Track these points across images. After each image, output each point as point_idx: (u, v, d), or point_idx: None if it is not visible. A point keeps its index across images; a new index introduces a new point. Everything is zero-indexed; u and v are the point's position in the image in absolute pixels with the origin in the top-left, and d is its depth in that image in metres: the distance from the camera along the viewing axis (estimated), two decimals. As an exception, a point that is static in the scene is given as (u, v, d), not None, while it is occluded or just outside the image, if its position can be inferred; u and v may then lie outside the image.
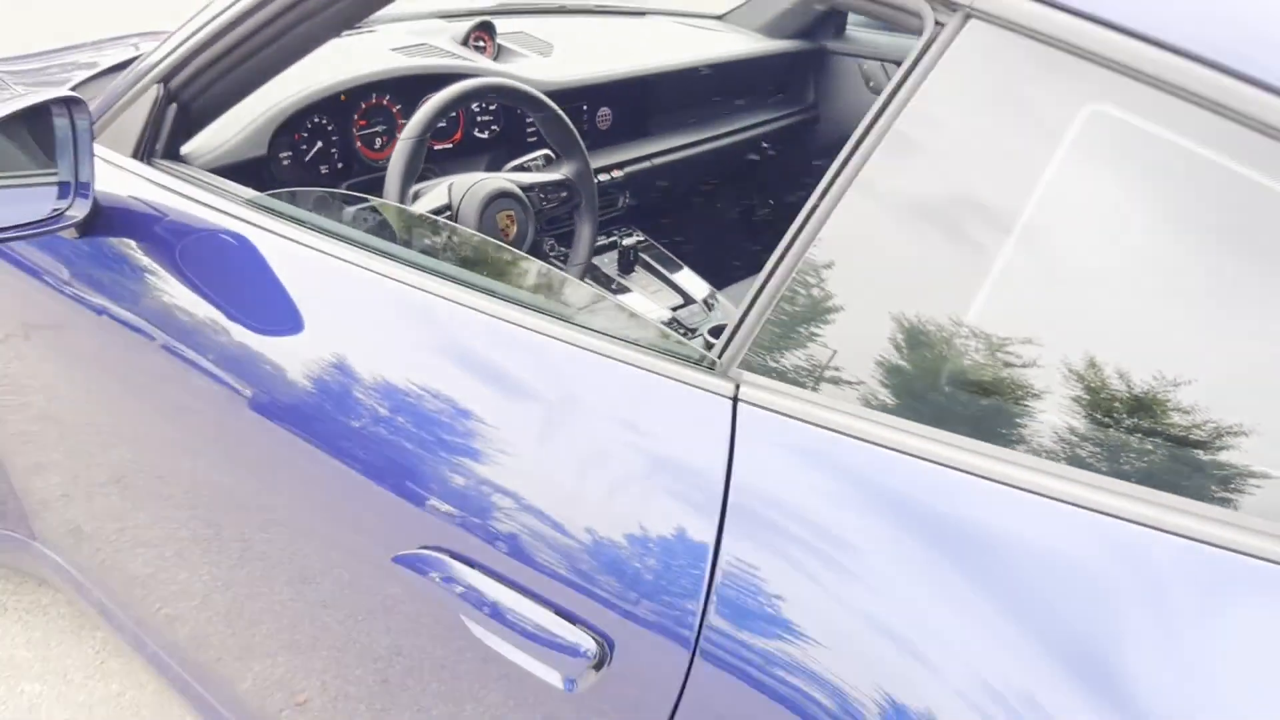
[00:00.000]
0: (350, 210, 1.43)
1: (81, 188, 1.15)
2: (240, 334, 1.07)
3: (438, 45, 1.88)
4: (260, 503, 1.13)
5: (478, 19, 1.95)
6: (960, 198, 0.74)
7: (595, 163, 1.89)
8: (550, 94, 1.62)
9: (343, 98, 1.63)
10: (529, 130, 1.86)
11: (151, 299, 1.16)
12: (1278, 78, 0.63)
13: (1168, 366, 0.66)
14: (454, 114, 1.67)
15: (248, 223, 1.11)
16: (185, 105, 1.27)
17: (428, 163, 1.70)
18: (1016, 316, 0.71)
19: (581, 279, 1.62)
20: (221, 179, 1.25)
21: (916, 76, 0.76)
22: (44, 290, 1.30)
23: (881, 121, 0.76)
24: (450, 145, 1.76)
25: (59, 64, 1.80)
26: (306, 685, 1.21)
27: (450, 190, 1.46)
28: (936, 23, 0.76)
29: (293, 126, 1.55)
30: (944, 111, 0.75)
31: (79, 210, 1.14)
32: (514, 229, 1.48)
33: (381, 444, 0.93)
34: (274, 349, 1.04)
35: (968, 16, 0.74)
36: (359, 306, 1.00)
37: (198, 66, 1.22)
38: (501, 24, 2.06)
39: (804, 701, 0.70)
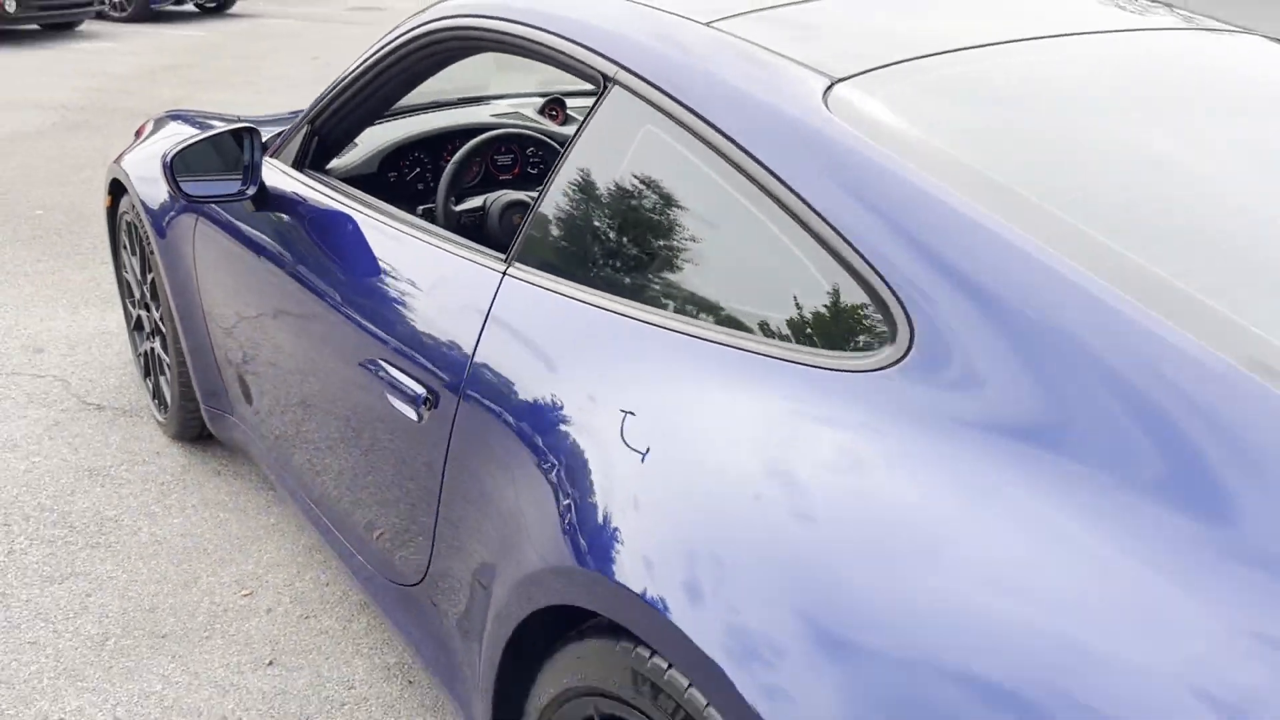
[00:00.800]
0: (421, 207, 2.30)
1: (254, 176, 2.07)
2: (353, 286, 1.83)
3: (523, 113, 2.75)
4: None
5: (555, 96, 2.81)
6: (598, 174, 1.48)
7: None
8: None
9: (452, 140, 2.52)
10: None
11: (304, 261, 2.00)
12: (745, 138, 1.33)
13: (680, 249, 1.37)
14: (509, 152, 2.52)
15: (354, 210, 1.93)
16: (322, 137, 2.18)
17: (495, 186, 2.55)
18: (625, 226, 1.44)
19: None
20: (342, 183, 2.13)
21: (593, 112, 1.51)
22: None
23: (578, 134, 1.52)
24: (511, 176, 2.60)
25: (284, 116, 2.81)
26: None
27: (485, 200, 2.30)
28: (605, 83, 1.51)
29: (399, 156, 2.45)
30: (601, 132, 1.49)
31: (250, 189, 2.06)
32: (524, 227, 2.30)
33: (388, 317, 1.75)
34: (367, 295, 1.80)
35: (614, 83, 1.49)
36: (421, 265, 1.73)
37: (327, 115, 2.13)
38: (580, 101, 2.91)
39: (508, 426, 1.45)
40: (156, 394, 3.05)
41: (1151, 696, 0.79)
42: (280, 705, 2.04)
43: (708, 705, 1.00)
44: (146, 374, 3.11)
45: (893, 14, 1.57)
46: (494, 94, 2.90)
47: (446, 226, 2.23)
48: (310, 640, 2.22)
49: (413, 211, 2.29)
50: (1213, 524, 0.87)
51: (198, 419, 2.82)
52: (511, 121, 2.65)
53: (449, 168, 2.26)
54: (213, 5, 13.89)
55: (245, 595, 2.36)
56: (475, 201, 2.29)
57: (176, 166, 2.02)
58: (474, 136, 2.56)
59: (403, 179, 2.49)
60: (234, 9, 14.40)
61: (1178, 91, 1.45)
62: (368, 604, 2.33)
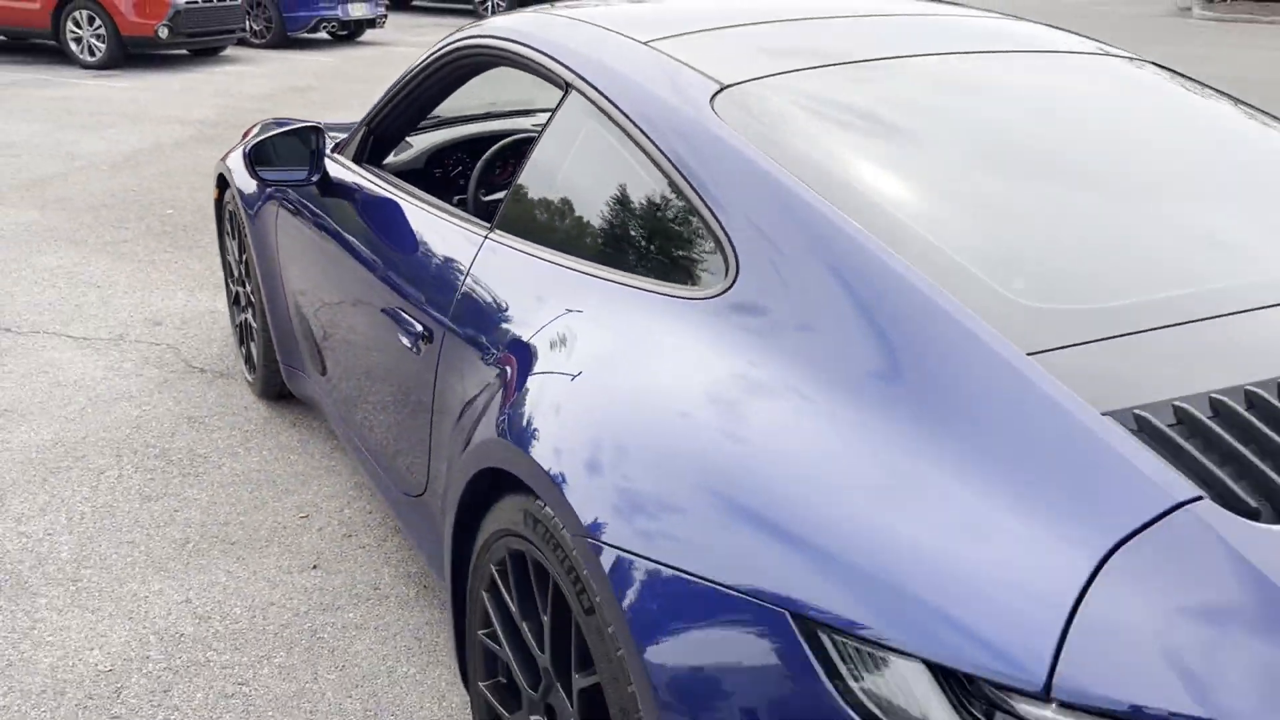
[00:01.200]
0: (457, 197, 2.75)
1: (318, 164, 2.55)
2: (386, 253, 2.33)
3: (560, 123, 3.18)
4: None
5: (589, 109, 3.23)
6: (556, 160, 1.89)
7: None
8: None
9: (491, 143, 2.97)
10: None
11: (355, 235, 2.48)
12: (663, 141, 1.74)
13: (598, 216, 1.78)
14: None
15: (394, 195, 2.40)
16: (377, 136, 2.65)
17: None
18: (570, 200, 1.85)
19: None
20: (389, 174, 2.59)
21: (556, 111, 1.92)
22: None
23: (544, 128, 1.94)
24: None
25: (348, 124, 3.30)
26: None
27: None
28: (566, 89, 1.92)
29: (445, 155, 2.91)
30: (560, 126, 1.91)
31: (315, 175, 2.54)
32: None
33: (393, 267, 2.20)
34: (396, 261, 2.29)
35: (572, 88, 1.90)
36: (435, 235, 2.19)
37: (380, 118, 2.59)
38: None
39: (474, 349, 1.86)
40: (248, 359, 3.57)
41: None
42: (316, 598, 2.49)
43: (562, 528, 1.39)
44: (240, 342, 3.64)
45: (793, 35, 1.94)
46: (538, 108, 3.34)
47: (475, 213, 2.66)
48: (349, 552, 2.67)
49: (449, 200, 2.74)
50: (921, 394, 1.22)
51: (278, 378, 3.32)
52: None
53: (479, 164, 2.70)
54: (345, 34, 14.87)
55: (302, 518, 2.83)
56: (501, 194, 2.73)
57: (255, 156, 2.51)
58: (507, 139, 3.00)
59: (447, 174, 2.95)
60: (364, 37, 15.37)
61: (1015, 99, 1.79)
62: (400, 529, 2.76)
